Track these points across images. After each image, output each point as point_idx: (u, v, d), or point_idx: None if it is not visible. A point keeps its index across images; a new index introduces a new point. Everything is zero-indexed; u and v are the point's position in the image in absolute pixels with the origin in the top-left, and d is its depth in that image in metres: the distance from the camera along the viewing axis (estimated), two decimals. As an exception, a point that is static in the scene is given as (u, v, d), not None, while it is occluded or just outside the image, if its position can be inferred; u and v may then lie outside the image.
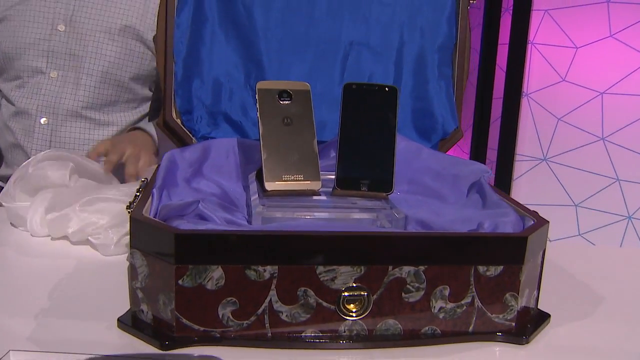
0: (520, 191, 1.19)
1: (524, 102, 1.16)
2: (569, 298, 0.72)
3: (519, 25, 1.30)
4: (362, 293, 0.57)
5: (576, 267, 0.81)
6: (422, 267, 0.57)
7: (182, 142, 0.85)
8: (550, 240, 0.66)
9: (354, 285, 0.56)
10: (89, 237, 0.79)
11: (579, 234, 1.23)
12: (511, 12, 1.26)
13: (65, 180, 0.86)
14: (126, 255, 0.76)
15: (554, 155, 1.13)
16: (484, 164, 1.24)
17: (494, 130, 1.35)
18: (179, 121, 0.85)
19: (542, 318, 0.65)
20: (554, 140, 1.13)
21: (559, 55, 1.11)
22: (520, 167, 1.18)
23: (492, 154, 1.35)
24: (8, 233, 0.85)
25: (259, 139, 0.69)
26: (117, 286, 0.67)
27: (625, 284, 0.77)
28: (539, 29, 1.12)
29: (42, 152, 0.89)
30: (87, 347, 0.56)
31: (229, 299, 0.55)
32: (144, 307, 0.58)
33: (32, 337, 0.57)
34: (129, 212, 0.60)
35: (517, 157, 1.21)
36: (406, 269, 0.57)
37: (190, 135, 0.85)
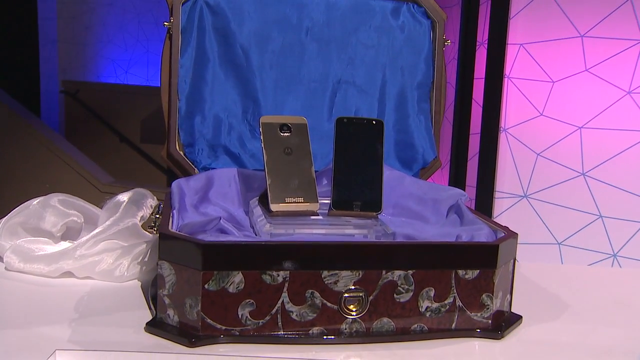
0: (501, 229, 1.21)
1: (502, 137, 1.16)
2: (540, 305, 0.87)
3: (495, 58, 1.38)
4: (360, 294, 0.71)
5: (549, 282, 0.97)
6: (410, 272, 0.72)
7: (185, 172, 1.00)
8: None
9: (353, 287, 0.71)
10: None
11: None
12: (486, 46, 1.32)
13: (55, 228, 0.94)
14: (131, 281, 0.89)
15: (535, 192, 1.13)
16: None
17: (472, 167, 1.38)
18: (182, 153, 1.00)
19: (515, 319, 0.80)
20: (533, 177, 1.13)
21: (535, 89, 1.13)
22: (500, 204, 1.16)
23: (470, 191, 1.35)
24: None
25: (264, 167, 0.84)
26: (133, 302, 0.81)
27: (590, 296, 0.93)
28: (515, 63, 1.16)
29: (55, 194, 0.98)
30: (122, 346, 0.69)
31: (247, 300, 0.69)
32: (170, 311, 0.72)
33: (72, 339, 0.70)
34: (155, 231, 0.73)
35: (496, 194, 1.18)
36: (397, 273, 0.72)
37: (193, 166, 1.00)
